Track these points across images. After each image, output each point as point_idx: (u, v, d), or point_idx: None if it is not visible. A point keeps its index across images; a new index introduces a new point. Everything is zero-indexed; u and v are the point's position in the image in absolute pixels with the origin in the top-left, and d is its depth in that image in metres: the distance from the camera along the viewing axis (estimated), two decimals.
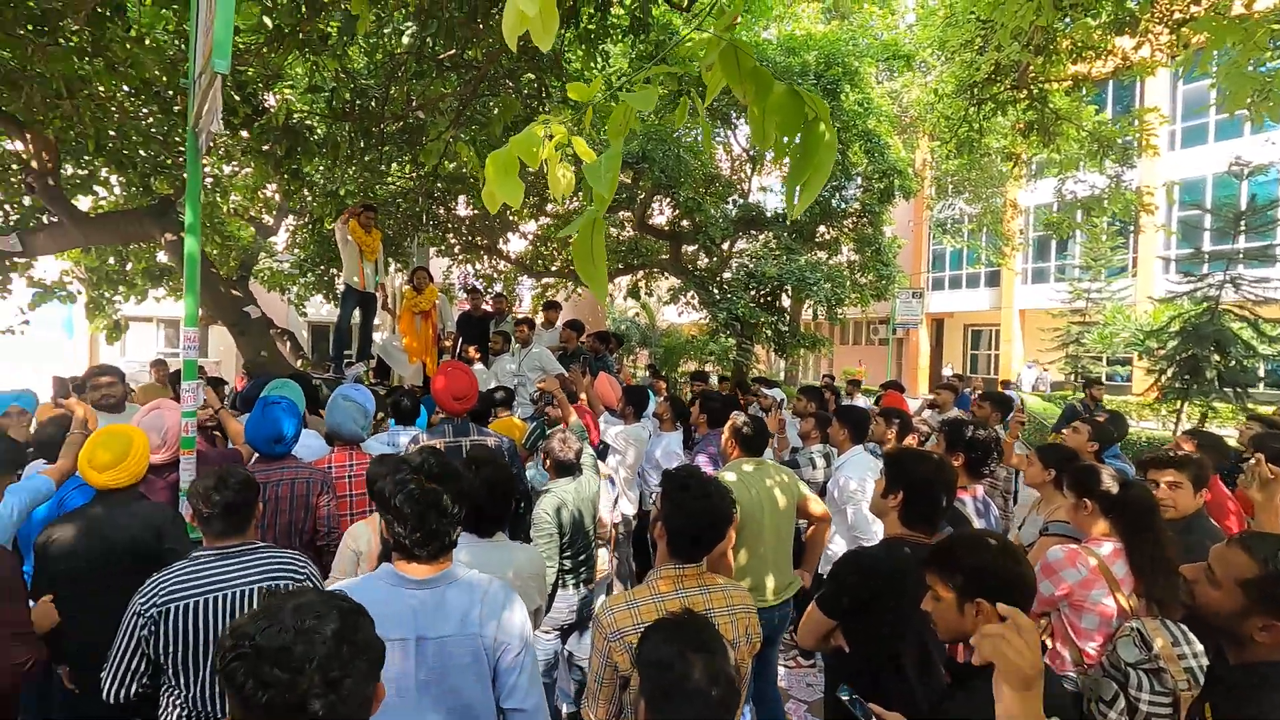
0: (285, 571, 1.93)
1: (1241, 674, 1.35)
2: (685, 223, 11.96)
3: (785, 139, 1.21)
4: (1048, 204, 15.99)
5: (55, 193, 5.49)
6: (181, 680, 1.78)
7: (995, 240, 17.55)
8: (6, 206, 6.48)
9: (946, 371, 20.03)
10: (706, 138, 11.51)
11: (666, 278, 14.75)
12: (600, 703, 1.67)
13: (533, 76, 5.81)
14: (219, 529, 1.92)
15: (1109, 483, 2.29)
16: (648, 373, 11.64)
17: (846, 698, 1.61)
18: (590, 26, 5.30)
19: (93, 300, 8.68)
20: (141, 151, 5.85)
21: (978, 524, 2.69)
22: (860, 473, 3.35)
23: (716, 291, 11.21)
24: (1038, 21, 4.40)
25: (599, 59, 5.86)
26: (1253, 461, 2.31)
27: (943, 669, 1.74)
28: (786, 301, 12.13)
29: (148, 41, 4.40)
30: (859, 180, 11.47)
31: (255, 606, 0.92)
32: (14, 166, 6.24)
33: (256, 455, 2.81)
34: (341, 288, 6.70)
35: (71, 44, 4.12)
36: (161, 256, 8.37)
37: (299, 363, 7.41)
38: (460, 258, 13.48)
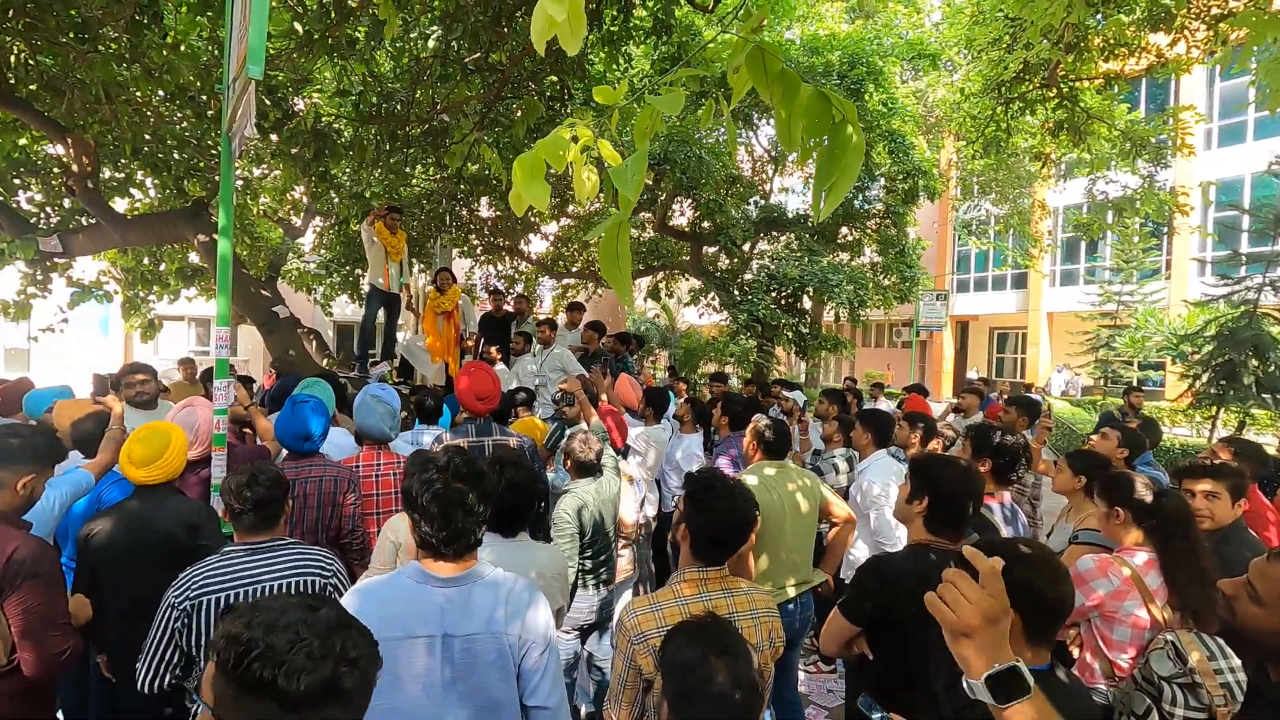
0: (314, 568, 1.96)
1: None
2: (706, 224, 11.94)
3: (812, 141, 1.20)
4: (1077, 205, 15.65)
5: (94, 195, 5.65)
6: None
7: (1023, 242, 17.23)
8: (48, 209, 6.70)
9: (972, 375, 19.70)
10: (731, 140, 11.45)
11: (687, 279, 14.74)
12: (623, 705, 1.67)
13: (555, 79, 5.84)
14: (250, 524, 1.96)
15: (1143, 491, 2.23)
16: (667, 374, 11.63)
17: (866, 706, 1.60)
18: (613, 28, 5.32)
19: (128, 300, 8.91)
20: (176, 155, 6.01)
21: (1005, 531, 2.65)
22: (883, 477, 3.31)
23: (737, 293, 11.17)
24: (1069, 19, 4.31)
25: (621, 61, 5.87)
26: None
27: None
28: (808, 303, 12.05)
29: (183, 48, 4.52)
30: (883, 181, 11.35)
31: (230, 617, 0.92)
32: (55, 170, 6.45)
33: (286, 453, 2.87)
34: (367, 288, 6.80)
35: (110, 51, 4.24)
36: (193, 257, 8.57)
37: (325, 362, 7.54)
38: (482, 259, 13.61)
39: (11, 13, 3.91)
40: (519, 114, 5.43)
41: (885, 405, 7.60)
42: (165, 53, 4.33)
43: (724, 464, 3.85)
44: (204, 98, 5.00)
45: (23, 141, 5.95)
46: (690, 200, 11.51)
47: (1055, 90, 7.70)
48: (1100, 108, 8.76)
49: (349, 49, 4.87)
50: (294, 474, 2.62)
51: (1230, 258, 12.05)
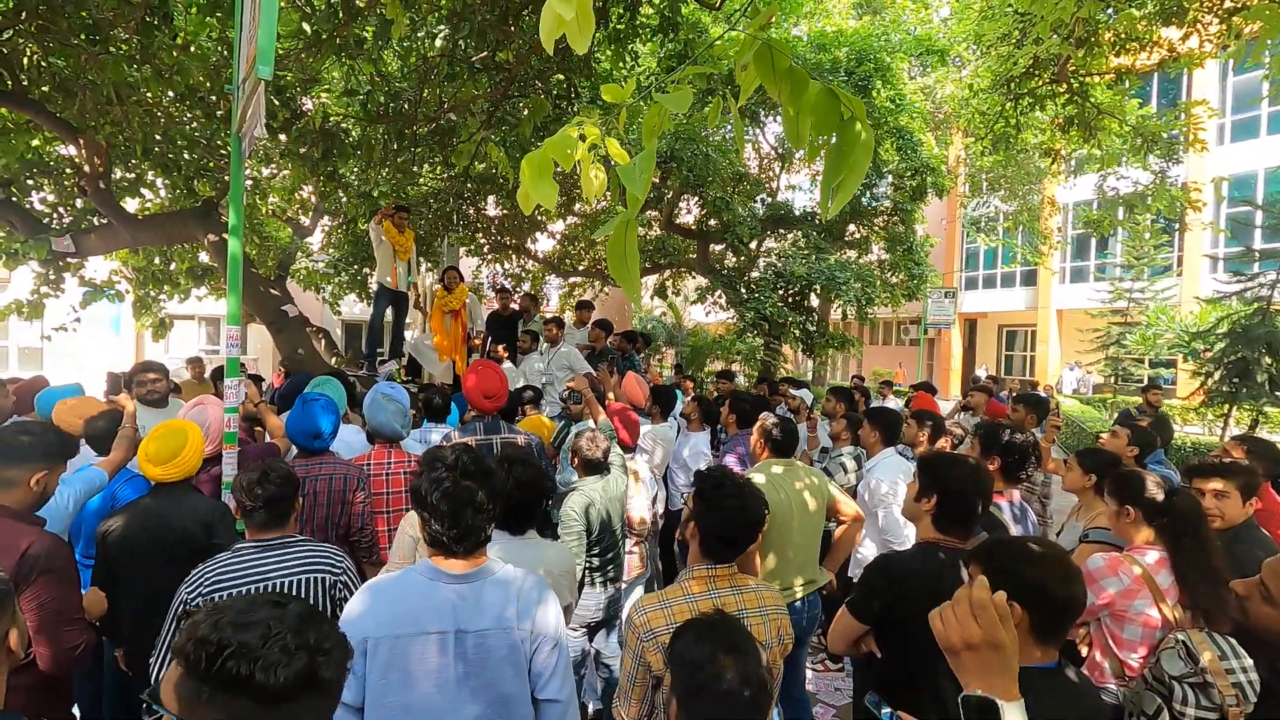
0: (324, 565, 1.98)
1: None
2: (713, 222, 11.91)
3: (820, 139, 1.20)
4: (1087, 201, 15.54)
5: (106, 195, 5.70)
6: None
7: (1032, 238, 17.10)
8: (61, 209, 6.76)
9: (980, 373, 19.59)
10: (739, 137, 11.45)
11: (694, 277, 14.71)
12: (633, 702, 1.68)
13: (562, 77, 5.85)
14: (261, 521, 1.98)
15: (1154, 489, 2.22)
16: (673, 373, 11.63)
17: (873, 704, 1.59)
18: (619, 26, 5.32)
19: (139, 299, 8.99)
20: (186, 155, 6.05)
21: (1014, 529, 2.63)
22: (891, 475, 3.30)
23: (744, 291, 11.14)
24: (1079, 13, 4.28)
25: (628, 59, 5.87)
26: None
27: None
28: (815, 301, 12.00)
29: (193, 49, 4.55)
30: (891, 178, 11.29)
31: (193, 621, 0.91)
32: (68, 170, 6.51)
33: (296, 451, 2.89)
34: (375, 287, 6.83)
35: (121, 52, 4.28)
36: (203, 257, 8.63)
37: (333, 360, 7.58)
38: (489, 257, 13.64)
39: (24, 15, 3.95)
40: (526, 113, 5.44)
41: (894, 404, 7.57)
42: (175, 54, 4.37)
43: (731, 462, 3.84)
44: (214, 98, 5.04)
45: (35, 142, 6.01)
46: (697, 198, 11.48)
47: (1065, 85, 7.63)
48: (1111, 103, 8.67)
49: (357, 49, 4.89)
50: (304, 472, 2.64)
51: (1243, 254, 11.93)
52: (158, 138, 5.52)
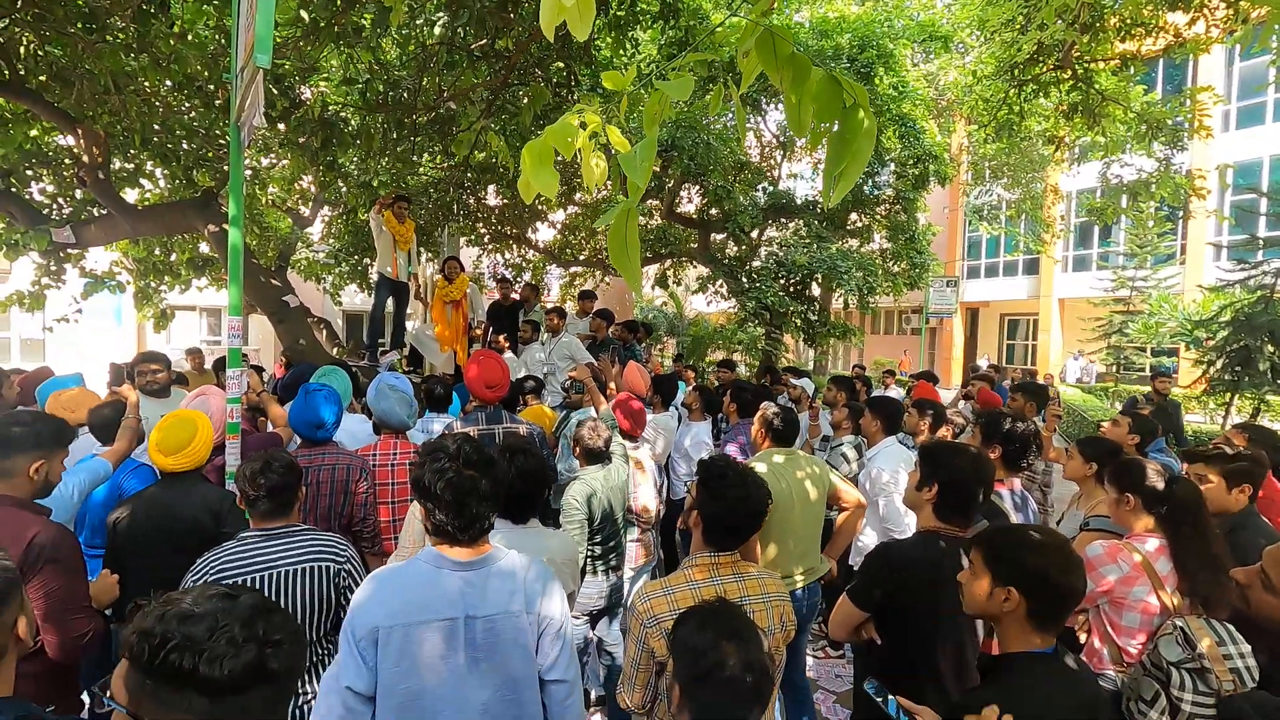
0: (327, 554, 1.99)
1: None
2: (714, 211, 11.86)
3: (822, 126, 1.19)
4: (1091, 189, 15.44)
5: (105, 186, 5.68)
6: None
7: (1035, 227, 17.01)
8: (60, 200, 6.74)
9: (981, 363, 19.58)
10: (740, 125, 11.36)
11: (695, 266, 14.67)
12: (637, 688, 1.70)
13: (562, 65, 5.80)
14: (265, 510, 1.99)
15: (1153, 478, 2.22)
16: (674, 362, 11.62)
17: (873, 690, 1.61)
18: (620, 13, 5.27)
19: (140, 290, 8.98)
20: (185, 145, 6.02)
21: (1015, 518, 2.64)
22: (893, 464, 3.31)
23: (745, 280, 11.11)
24: None
25: (628, 46, 5.82)
26: None
27: (976, 666, 1.72)
28: (817, 290, 11.97)
29: (190, 37, 4.52)
30: (893, 166, 11.23)
31: (141, 614, 0.91)
32: (66, 161, 6.48)
33: (299, 441, 2.90)
34: (375, 277, 6.82)
35: (118, 40, 4.24)
36: (204, 247, 8.62)
37: (334, 350, 7.58)
38: (490, 247, 13.61)
39: (20, 3, 3.92)
40: (526, 101, 5.40)
41: (896, 393, 7.57)
42: (173, 42, 4.33)
43: (732, 451, 3.85)
44: (212, 87, 5.00)
45: (34, 133, 5.98)
46: (698, 187, 11.43)
47: (1070, 72, 7.56)
48: (1116, 89, 8.59)
49: (355, 36, 4.85)
50: (307, 461, 2.65)
51: (1247, 242, 11.86)
52: (156, 127, 5.49)
